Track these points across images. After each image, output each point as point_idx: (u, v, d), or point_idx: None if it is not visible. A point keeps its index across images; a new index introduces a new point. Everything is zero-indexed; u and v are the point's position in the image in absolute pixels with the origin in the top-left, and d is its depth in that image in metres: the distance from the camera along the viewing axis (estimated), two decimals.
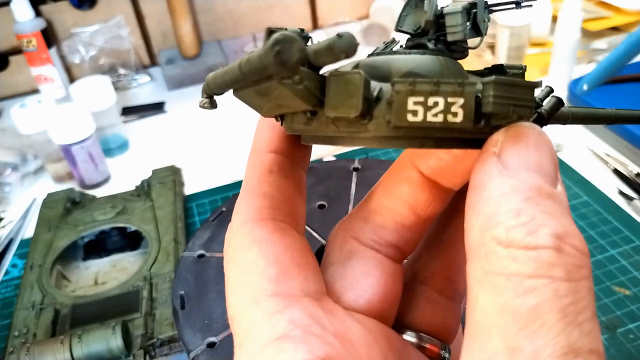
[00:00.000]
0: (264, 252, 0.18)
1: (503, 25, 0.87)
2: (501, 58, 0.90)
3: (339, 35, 0.13)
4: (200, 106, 0.18)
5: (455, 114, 0.14)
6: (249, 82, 0.15)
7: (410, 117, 0.15)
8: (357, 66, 0.17)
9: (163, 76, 1.02)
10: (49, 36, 0.95)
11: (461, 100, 0.14)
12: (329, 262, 0.20)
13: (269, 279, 0.17)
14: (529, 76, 0.86)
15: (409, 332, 0.21)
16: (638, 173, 0.68)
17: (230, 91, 0.17)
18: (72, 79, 1.01)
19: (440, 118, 0.14)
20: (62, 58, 1.00)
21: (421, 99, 0.14)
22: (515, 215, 0.14)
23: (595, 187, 0.66)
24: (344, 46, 0.13)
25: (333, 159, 0.73)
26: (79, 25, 1.01)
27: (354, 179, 0.50)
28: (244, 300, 0.17)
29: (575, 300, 0.13)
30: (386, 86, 0.15)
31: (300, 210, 0.20)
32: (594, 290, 0.57)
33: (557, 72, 0.83)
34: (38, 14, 0.95)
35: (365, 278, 0.20)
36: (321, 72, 0.15)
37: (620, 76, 0.79)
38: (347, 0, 1.13)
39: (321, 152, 0.75)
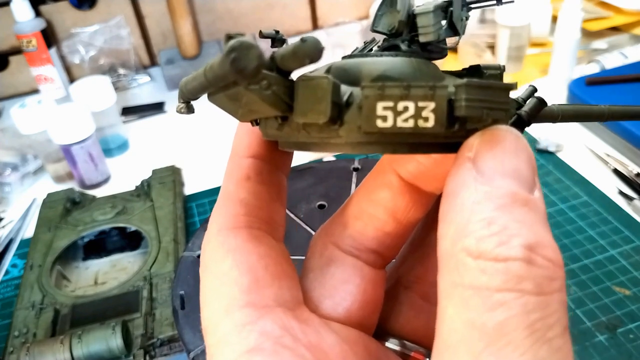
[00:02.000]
0: (238, 261, 0.17)
1: (503, 25, 0.87)
2: (501, 58, 0.90)
3: (302, 40, 0.13)
4: (177, 111, 0.18)
5: (426, 119, 0.14)
6: (218, 88, 0.15)
7: (379, 123, 0.14)
8: (329, 70, 0.17)
9: (163, 76, 1.02)
10: (49, 36, 0.95)
11: (432, 105, 0.14)
12: (309, 268, 0.20)
13: (242, 289, 0.17)
14: (529, 76, 0.86)
15: (392, 340, 0.20)
16: (638, 173, 0.68)
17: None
18: (72, 79, 1.01)
19: (410, 123, 0.14)
20: (62, 58, 1.00)
21: (390, 103, 0.14)
22: (486, 225, 0.13)
23: (595, 187, 0.66)
24: (308, 51, 0.13)
25: (333, 158, 0.73)
26: (79, 26, 1.01)
27: (354, 179, 0.50)
28: (217, 311, 0.17)
29: (545, 315, 0.13)
30: (357, 90, 0.15)
31: (279, 216, 0.20)
32: (595, 290, 0.57)
33: (557, 72, 0.83)
34: (38, 14, 0.95)
35: (344, 285, 0.19)
36: (291, 76, 0.15)
37: (620, 76, 0.79)
38: (347, 0, 1.13)
39: (321, 152, 0.75)
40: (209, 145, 0.84)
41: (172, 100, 0.97)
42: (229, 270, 0.17)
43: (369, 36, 0.90)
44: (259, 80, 0.14)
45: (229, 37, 0.13)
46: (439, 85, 0.14)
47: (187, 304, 0.40)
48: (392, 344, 0.20)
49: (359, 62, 0.17)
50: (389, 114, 0.14)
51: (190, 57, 1.02)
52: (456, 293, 0.14)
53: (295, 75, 0.15)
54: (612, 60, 0.86)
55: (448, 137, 0.15)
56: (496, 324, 0.13)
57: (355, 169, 0.51)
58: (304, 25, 1.14)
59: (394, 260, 0.21)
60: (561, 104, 0.20)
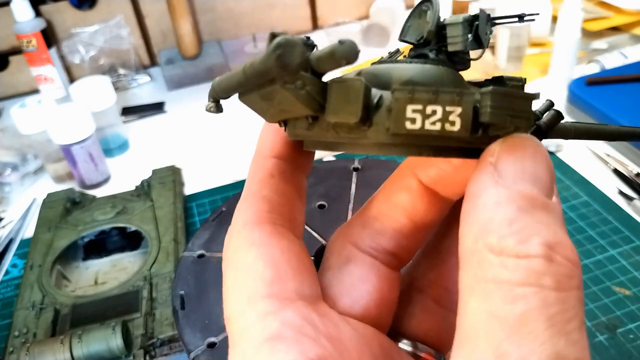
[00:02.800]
0: (261, 254, 0.18)
1: (503, 25, 0.87)
2: (501, 58, 0.90)
3: (340, 42, 0.14)
4: (207, 110, 0.18)
5: (452, 123, 0.15)
6: (253, 86, 0.16)
7: (408, 125, 0.15)
8: (359, 74, 0.17)
9: (163, 76, 1.02)
10: (49, 36, 0.95)
11: (459, 110, 0.15)
12: (327, 266, 0.21)
13: (265, 281, 0.17)
14: (529, 76, 0.87)
15: (405, 341, 0.21)
16: (638, 173, 0.68)
17: (235, 95, 0.18)
18: (72, 79, 1.01)
19: (438, 126, 0.15)
20: (62, 58, 1.00)
21: (420, 107, 0.15)
22: (508, 224, 0.14)
23: (595, 187, 0.66)
24: (345, 52, 0.14)
25: (333, 158, 0.73)
26: (79, 25, 1.01)
27: (354, 179, 0.50)
28: (240, 301, 0.18)
29: (564, 309, 0.14)
30: (386, 94, 0.15)
31: (299, 214, 0.20)
32: (594, 290, 0.57)
33: (557, 72, 0.84)
34: (38, 14, 0.95)
35: (361, 284, 0.20)
36: (324, 79, 0.16)
37: (620, 76, 0.80)
38: (347, 0, 1.13)
39: (322, 152, 0.75)
40: (209, 145, 0.84)
41: (172, 100, 0.97)
42: (252, 263, 0.18)
43: (369, 36, 0.90)
44: (295, 79, 0.15)
45: (274, 35, 0.14)
46: (466, 91, 0.15)
47: (187, 304, 0.40)
48: (404, 345, 0.21)
49: (389, 67, 0.18)
50: (418, 117, 0.15)
51: (190, 57, 1.02)
52: (478, 287, 0.14)
53: (327, 78, 0.16)
54: (612, 60, 0.86)
55: (471, 143, 0.16)
56: (517, 315, 0.13)
57: (355, 169, 0.51)
58: (304, 25, 1.14)
59: (407, 265, 0.22)
60: (573, 122, 0.20)
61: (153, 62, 1.10)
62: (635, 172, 0.68)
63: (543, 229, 0.14)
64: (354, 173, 0.51)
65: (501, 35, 0.88)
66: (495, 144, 0.15)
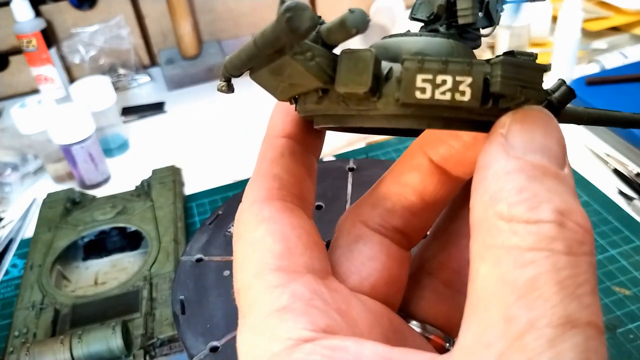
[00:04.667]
0: (271, 229, 0.18)
1: (503, 25, 0.87)
2: None
3: (350, 11, 0.14)
4: (218, 89, 0.18)
5: (463, 93, 0.15)
6: (264, 60, 0.16)
7: (418, 94, 0.15)
8: (370, 47, 0.17)
9: (163, 76, 1.02)
10: (49, 36, 0.95)
11: (469, 79, 0.14)
12: (337, 245, 0.21)
13: (274, 255, 0.17)
14: None
15: (414, 322, 0.21)
16: (638, 173, 0.68)
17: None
18: (72, 79, 1.01)
19: (448, 96, 0.15)
20: (62, 58, 1.00)
21: (429, 76, 0.15)
22: (518, 192, 0.14)
23: (595, 187, 0.66)
24: (356, 21, 0.14)
25: (333, 158, 0.73)
26: (79, 25, 1.01)
27: (350, 179, 0.50)
28: (249, 274, 0.18)
29: (575, 273, 0.13)
30: (396, 66, 0.15)
31: (310, 194, 0.20)
32: None
33: (557, 72, 0.83)
34: (38, 14, 0.95)
35: (371, 262, 0.20)
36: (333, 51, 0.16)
37: (621, 76, 0.79)
38: (347, 0, 1.13)
39: (322, 152, 0.75)
40: (209, 145, 0.84)
41: (172, 100, 0.97)
42: (262, 238, 0.18)
43: (369, 36, 0.90)
44: (305, 50, 0.15)
45: (282, 1, 0.14)
46: (477, 61, 0.15)
47: (187, 309, 0.40)
48: (413, 326, 0.21)
49: (399, 40, 0.18)
50: (428, 86, 0.15)
51: (190, 57, 1.02)
52: (488, 253, 0.14)
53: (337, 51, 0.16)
54: (612, 60, 0.86)
55: (481, 115, 0.15)
56: (527, 279, 0.13)
57: (351, 169, 0.51)
58: None
59: (417, 247, 0.22)
60: (586, 107, 0.20)
61: (153, 62, 1.10)
62: (635, 172, 0.68)
63: (554, 197, 0.14)
64: (350, 173, 0.51)
65: (501, 35, 0.88)
66: (506, 116, 0.15)
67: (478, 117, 0.16)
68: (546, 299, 0.13)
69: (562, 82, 0.19)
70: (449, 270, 0.22)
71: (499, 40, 0.89)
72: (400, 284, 0.21)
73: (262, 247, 0.18)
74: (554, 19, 0.87)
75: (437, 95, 0.15)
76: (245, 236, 0.19)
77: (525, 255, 0.13)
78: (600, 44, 0.96)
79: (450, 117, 0.15)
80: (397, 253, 0.20)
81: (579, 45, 0.82)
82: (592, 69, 0.87)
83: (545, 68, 0.15)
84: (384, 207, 0.20)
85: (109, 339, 0.48)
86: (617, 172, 0.69)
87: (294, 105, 0.19)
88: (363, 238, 0.20)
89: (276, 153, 0.20)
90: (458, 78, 0.14)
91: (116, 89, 0.92)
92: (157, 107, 0.95)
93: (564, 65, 0.82)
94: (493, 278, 0.14)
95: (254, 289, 0.17)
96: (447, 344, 0.21)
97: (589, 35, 0.96)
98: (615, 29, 0.99)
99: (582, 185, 0.67)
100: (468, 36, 0.19)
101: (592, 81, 0.79)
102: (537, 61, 0.16)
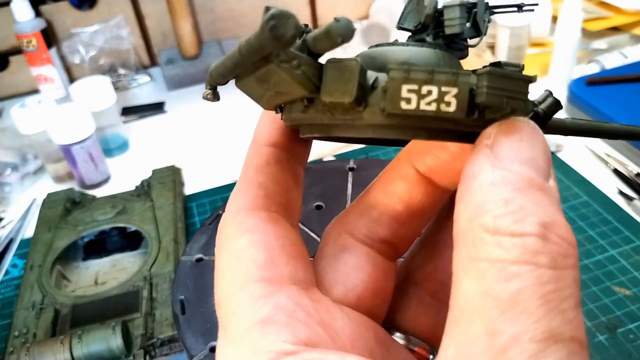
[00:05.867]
0: (255, 239, 0.18)
1: (503, 25, 0.87)
2: (501, 58, 0.90)
3: (336, 20, 0.14)
4: (204, 97, 0.18)
5: (448, 104, 0.14)
6: (250, 67, 0.16)
7: (403, 105, 0.15)
8: (357, 56, 0.17)
9: (163, 76, 1.02)
10: (49, 36, 0.95)
11: (455, 90, 0.14)
12: (322, 255, 0.20)
13: (258, 265, 0.17)
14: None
15: (398, 334, 0.21)
16: (638, 173, 0.68)
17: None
18: (72, 79, 1.01)
19: (433, 107, 0.15)
20: (62, 58, 1.00)
21: (415, 86, 0.15)
22: (503, 204, 0.14)
23: (595, 187, 0.66)
24: (341, 30, 0.14)
25: (332, 158, 0.73)
26: (79, 25, 1.01)
27: (350, 179, 0.50)
28: (232, 285, 0.17)
29: (559, 287, 0.13)
30: (382, 76, 0.15)
31: (295, 203, 0.20)
32: (594, 290, 0.57)
33: (557, 72, 0.83)
34: (38, 14, 0.95)
35: (356, 272, 0.20)
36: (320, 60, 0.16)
37: (621, 76, 0.79)
38: (347, 0, 1.13)
39: (322, 152, 0.75)
40: (209, 145, 0.84)
41: (172, 100, 0.97)
42: (245, 248, 0.18)
43: (369, 36, 0.90)
44: (291, 59, 0.15)
45: (268, 8, 0.14)
46: (462, 72, 0.14)
47: (187, 309, 0.40)
48: (397, 338, 0.21)
49: (386, 50, 0.18)
50: (413, 97, 0.15)
51: (190, 57, 1.02)
52: (472, 266, 0.14)
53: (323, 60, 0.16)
54: (612, 60, 0.86)
55: (467, 126, 0.15)
56: (511, 293, 0.13)
57: (351, 169, 0.51)
58: None
59: (403, 258, 0.22)
60: (574, 118, 0.20)
61: (153, 62, 1.10)
62: (635, 172, 0.68)
63: (539, 210, 0.14)
64: (350, 173, 0.51)
65: (501, 35, 0.88)
66: (491, 127, 0.15)
67: (464, 128, 0.15)
68: (530, 313, 0.13)
69: (549, 94, 0.19)
70: (435, 281, 0.21)
71: (499, 40, 0.89)
72: (385, 295, 0.20)
73: (246, 257, 0.18)
74: (554, 19, 0.87)
75: (423, 106, 0.15)
76: (228, 245, 0.18)
77: (510, 269, 0.13)
78: (600, 44, 0.96)
79: (436, 127, 0.15)
80: (383, 264, 0.20)
81: (579, 45, 0.82)
82: (592, 69, 0.87)
83: (531, 79, 0.15)
84: (371, 216, 0.20)
85: (109, 339, 0.48)
86: (617, 172, 0.69)
87: (279, 114, 0.19)
88: (348, 248, 0.20)
89: (262, 161, 0.20)
90: (444, 89, 0.14)
91: (116, 89, 0.92)
92: (157, 107, 0.95)
93: (564, 65, 0.82)
94: (477, 291, 0.14)
95: (236, 300, 0.17)
96: (431, 356, 0.21)
97: (589, 35, 0.96)
98: (615, 29, 0.99)
99: (582, 185, 0.67)
100: (455, 46, 0.19)
101: (592, 81, 0.79)
102: (524, 72, 0.16)
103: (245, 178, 0.20)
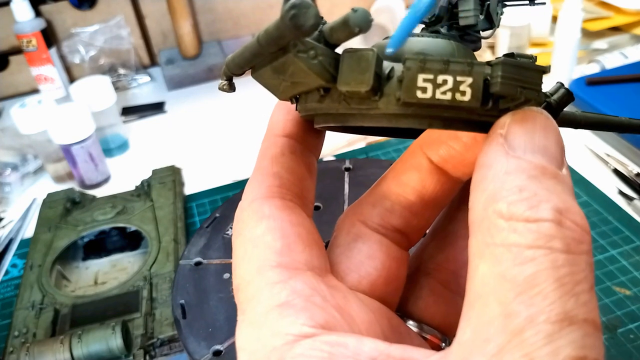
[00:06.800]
0: (271, 227, 0.18)
1: (503, 25, 0.87)
2: None
3: (353, 10, 0.14)
4: (220, 88, 0.19)
5: (463, 93, 0.15)
6: (267, 58, 0.16)
7: (419, 94, 0.15)
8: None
9: (163, 76, 1.02)
10: (49, 36, 0.95)
11: (469, 80, 0.15)
12: (336, 244, 0.21)
13: (275, 251, 0.18)
14: None
15: (411, 322, 0.21)
16: (638, 173, 0.68)
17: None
18: (72, 79, 1.01)
19: (448, 96, 0.15)
20: (62, 58, 1.00)
21: (431, 76, 0.15)
22: (518, 191, 0.14)
23: (595, 187, 0.66)
24: (359, 20, 0.14)
25: (333, 158, 0.73)
26: (79, 25, 1.01)
27: (347, 179, 0.50)
28: (249, 270, 0.18)
29: (573, 271, 0.14)
30: (398, 66, 0.16)
31: (309, 193, 0.21)
32: (595, 290, 0.57)
33: (558, 72, 0.83)
34: (38, 14, 0.95)
35: (369, 260, 0.20)
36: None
37: (621, 76, 0.79)
38: (347, 0, 1.13)
39: (322, 151, 0.75)
40: (209, 145, 0.84)
41: (172, 100, 0.97)
42: (262, 235, 0.18)
43: (369, 36, 0.90)
44: (308, 49, 0.15)
45: None
46: (477, 62, 0.15)
47: (188, 313, 0.39)
48: (410, 326, 0.21)
49: None
50: (429, 86, 0.15)
51: (190, 57, 1.02)
52: (488, 251, 0.14)
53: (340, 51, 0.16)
54: (613, 60, 0.86)
55: (481, 115, 0.16)
56: (526, 276, 0.13)
57: (347, 169, 0.51)
58: None
59: (415, 247, 0.22)
60: (583, 111, 0.20)
61: (153, 62, 1.10)
62: (635, 172, 0.68)
63: (553, 196, 0.14)
64: (346, 173, 0.51)
65: (501, 35, 0.88)
66: (505, 116, 0.16)
67: (478, 117, 0.16)
68: (545, 296, 0.13)
69: (561, 85, 0.19)
70: (447, 271, 0.22)
71: (499, 40, 0.89)
72: (398, 283, 0.21)
73: (262, 244, 0.18)
74: (554, 19, 0.87)
75: (438, 95, 0.15)
76: (245, 233, 0.19)
77: (525, 253, 0.14)
78: (600, 44, 0.96)
79: (451, 117, 0.16)
80: (395, 253, 0.20)
81: (579, 45, 0.82)
82: (592, 69, 0.86)
83: (545, 69, 0.16)
84: (384, 206, 0.21)
85: (108, 339, 0.48)
86: (617, 172, 0.69)
87: (294, 105, 0.19)
88: (362, 237, 0.20)
89: (276, 151, 0.20)
90: (459, 78, 0.15)
91: (116, 89, 0.92)
92: (157, 107, 0.95)
93: (564, 65, 0.82)
94: (492, 275, 0.14)
95: (254, 285, 0.17)
96: (444, 344, 0.21)
97: (589, 35, 0.96)
98: (616, 29, 0.99)
99: (582, 185, 0.67)
100: (468, 38, 0.19)
101: (592, 81, 0.79)
102: (537, 63, 0.17)
103: (261, 168, 0.20)
